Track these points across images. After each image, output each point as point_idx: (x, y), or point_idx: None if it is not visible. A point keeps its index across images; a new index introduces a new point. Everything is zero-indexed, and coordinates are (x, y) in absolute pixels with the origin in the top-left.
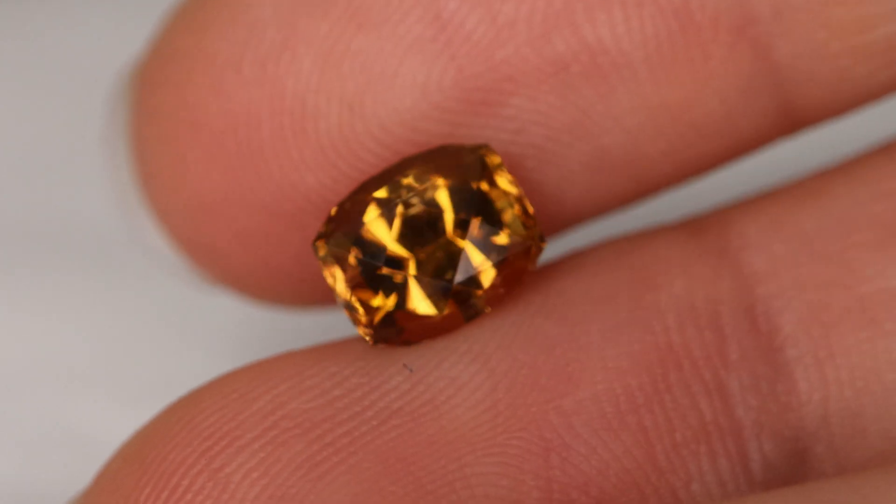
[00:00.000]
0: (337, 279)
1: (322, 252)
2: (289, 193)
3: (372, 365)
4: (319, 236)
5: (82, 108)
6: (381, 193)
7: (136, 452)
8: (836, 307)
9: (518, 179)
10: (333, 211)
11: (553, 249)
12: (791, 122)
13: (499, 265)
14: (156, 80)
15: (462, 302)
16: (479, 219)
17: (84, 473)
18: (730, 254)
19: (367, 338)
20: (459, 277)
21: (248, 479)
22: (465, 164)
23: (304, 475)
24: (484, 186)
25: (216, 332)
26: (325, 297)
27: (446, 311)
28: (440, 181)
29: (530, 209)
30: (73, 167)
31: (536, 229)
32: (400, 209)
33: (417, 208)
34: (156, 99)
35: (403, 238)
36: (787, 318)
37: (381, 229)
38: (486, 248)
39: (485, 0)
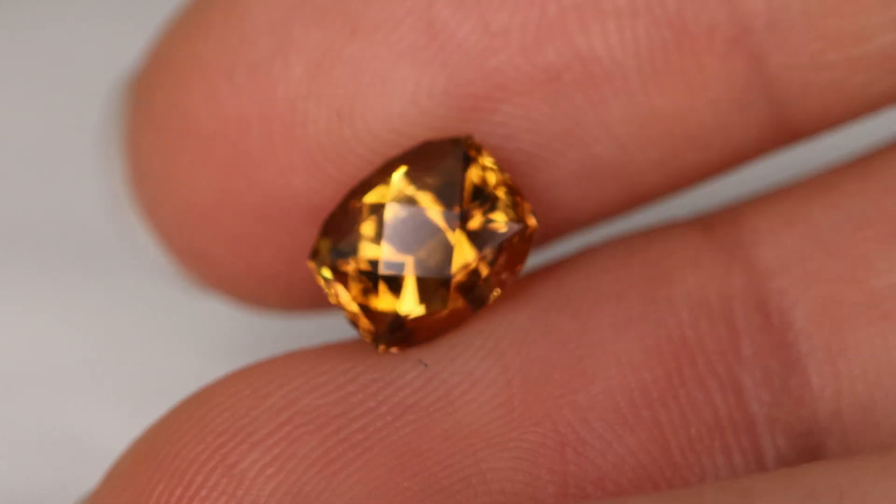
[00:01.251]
0: (340, 294)
1: (319, 269)
2: (278, 198)
3: (385, 361)
4: (314, 254)
5: (76, 109)
6: (371, 199)
7: (147, 449)
8: (848, 302)
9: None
10: (322, 225)
11: (563, 247)
12: (785, 133)
13: (496, 250)
14: (151, 86)
15: (466, 293)
16: (469, 208)
17: (78, 475)
18: (741, 249)
19: (379, 346)
20: (455, 269)
21: (262, 474)
22: (448, 158)
23: (320, 471)
24: (470, 177)
25: (210, 334)
26: (315, 301)
27: (450, 307)
28: (427, 179)
29: (517, 189)
30: (66, 169)
31: (526, 206)
32: (390, 214)
33: (406, 211)
34: (150, 105)
35: (398, 241)
36: (800, 312)
37: (373, 236)
38: (481, 236)
39: (477, 9)
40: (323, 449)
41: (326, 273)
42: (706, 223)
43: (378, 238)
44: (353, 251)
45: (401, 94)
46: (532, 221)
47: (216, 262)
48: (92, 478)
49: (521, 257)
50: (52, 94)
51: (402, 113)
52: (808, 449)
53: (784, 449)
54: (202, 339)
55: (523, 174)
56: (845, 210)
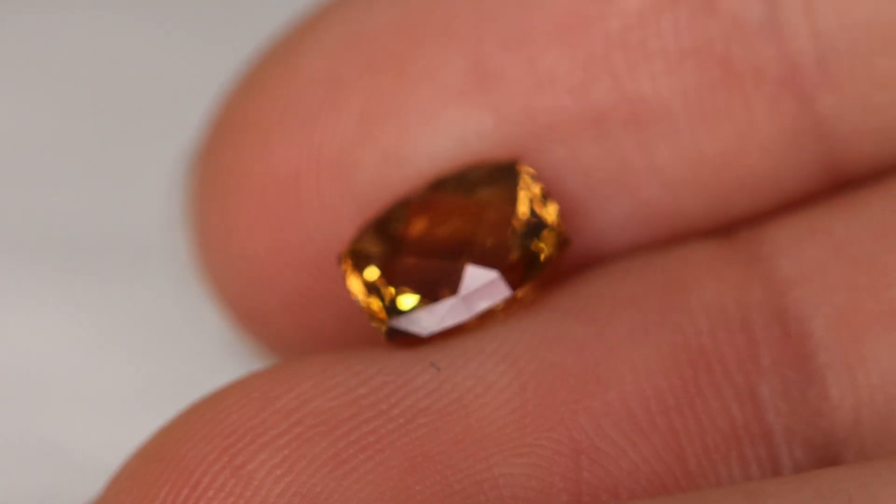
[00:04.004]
0: (368, 275)
1: (350, 254)
2: (330, 248)
3: (397, 364)
4: (356, 253)
5: (73, 110)
6: (424, 213)
7: (154, 451)
8: (867, 312)
9: None
10: (366, 225)
11: None
12: (837, 177)
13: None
14: (213, 152)
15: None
16: (517, 232)
17: (59, 483)
18: (760, 259)
19: (383, 332)
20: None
21: (271, 475)
22: (499, 180)
23: (329, 472)
24: (519, 198)
25: (197, 341)
26: None
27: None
28: (477, 197)
29: (559, 212)
30: (52, 170)
31: (562, 233)
32: (441, 231)
33: (455, 230)
34: (212, 171)
35: (448, 256)
36: (818, 323)
37: (424, 246)
38: (524, 261)
39: (524, 50)
40: (333, 450)
41: (371, 273)
42: (725, 235)
43: (427, 250)
44: (386, 239)
45: (449, 136)
46: (566, 242)
47: (275, 321)
48: (72, 487)
49: (550, 272)
50: (58, 94)
51: (450, 155)
52: (825, 460)
53: (801, 460)
54: (191, 348)
55: (572, 218)
56: (865, 221)
